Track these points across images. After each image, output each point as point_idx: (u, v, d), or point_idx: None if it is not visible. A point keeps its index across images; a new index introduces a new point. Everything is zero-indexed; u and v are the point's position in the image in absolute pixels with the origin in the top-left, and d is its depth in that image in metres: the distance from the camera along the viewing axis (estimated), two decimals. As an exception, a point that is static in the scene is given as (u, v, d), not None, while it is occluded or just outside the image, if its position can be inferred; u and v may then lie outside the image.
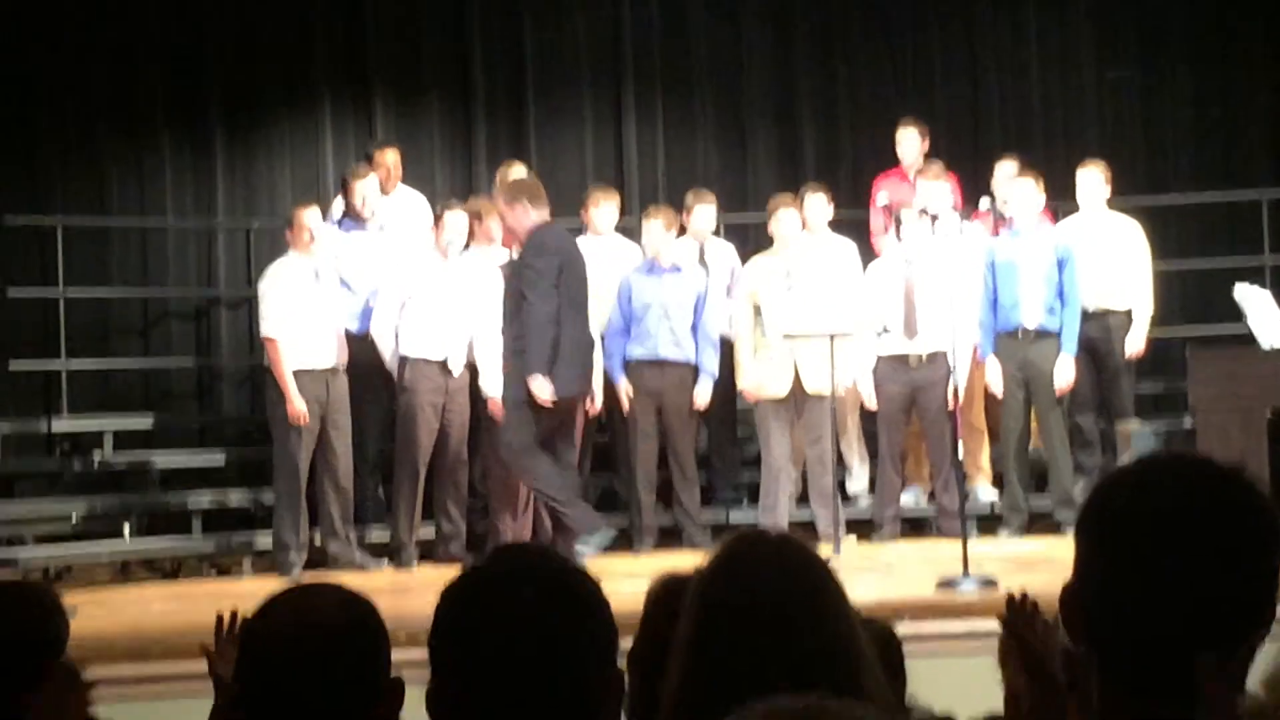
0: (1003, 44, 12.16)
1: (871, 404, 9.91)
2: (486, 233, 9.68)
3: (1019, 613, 3.19)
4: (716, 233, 10.60)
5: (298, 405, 9.18)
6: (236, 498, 10.28)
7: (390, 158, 10.46)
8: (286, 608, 2.54)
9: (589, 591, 2.22)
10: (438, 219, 9.65)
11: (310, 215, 9.47)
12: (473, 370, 9.54)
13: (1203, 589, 1.82)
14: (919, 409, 9.81)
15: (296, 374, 9.24)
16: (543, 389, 8.58)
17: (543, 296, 8.62)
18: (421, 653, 2.18)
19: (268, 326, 9.34)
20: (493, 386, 9.26)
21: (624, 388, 9.84)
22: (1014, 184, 9.89)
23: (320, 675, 2.44)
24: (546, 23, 11.98)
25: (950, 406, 9.44)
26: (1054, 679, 3.02)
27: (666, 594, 3.06)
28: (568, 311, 8.71)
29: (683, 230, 10.16)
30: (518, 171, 10.28)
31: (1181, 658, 1.83)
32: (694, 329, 9.85)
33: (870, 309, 9.60)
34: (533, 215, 8.76)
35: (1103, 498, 1.92)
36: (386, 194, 10.24)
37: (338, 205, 10.23)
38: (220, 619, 3.45)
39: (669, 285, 9.83)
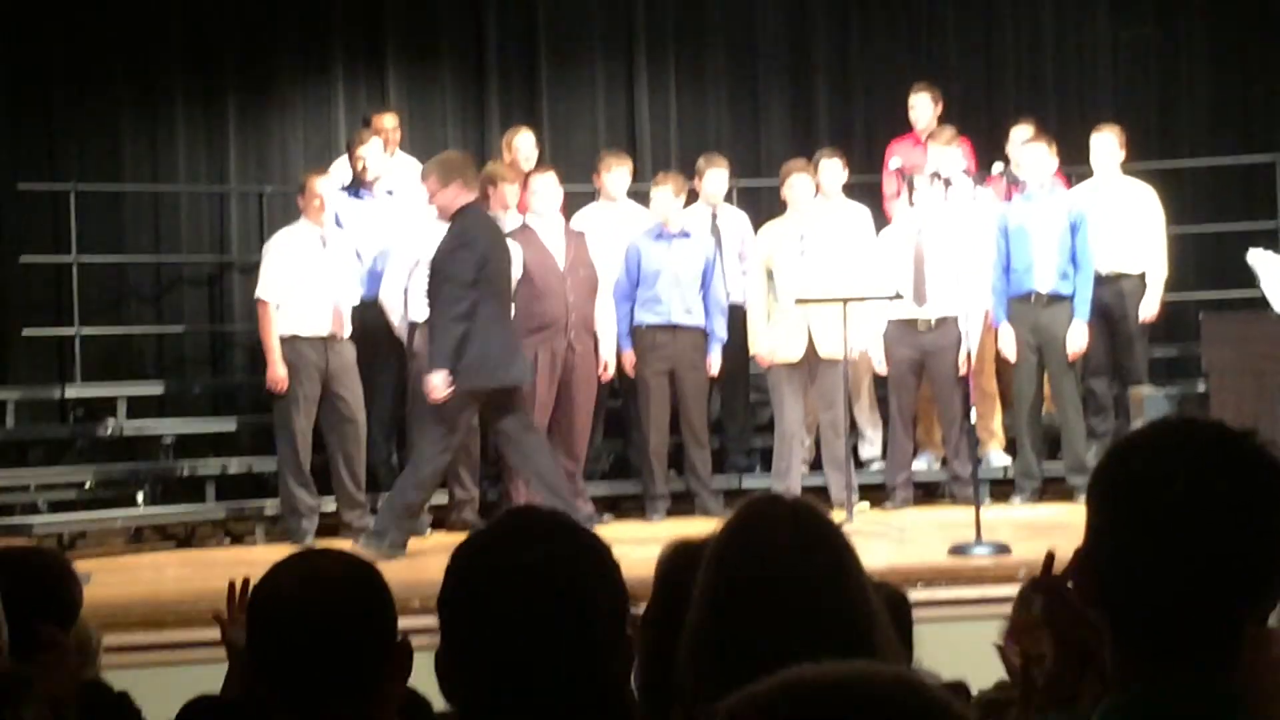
0: (1017, 6, 12.09)
1: (881, 369, 9.91)
2: (501, 199, 9.59)
3: (1052, 573, 3.17)
4: (729, 198, 10.59)
5: (278, 370, 9.17)
6: (249, 464, 10.29)
7: (389, 122, 10.42)
8: (290, 572, 2.55)
9: (598, 554, 2.21)
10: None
11: (322, 183, 9.46)
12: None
13: (1215, 553, 1.82)
14: (930, 374, 9.79)
15: (295, 340, 9.23)
16: (439, 386, 8.36)
17: (455, 296, 8.36)
18: (434, 619, 2.19)
19: (261, 289, 9.33)
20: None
21: (628, 354, 9.82)
22: (1027, 148, 9.86)
23: (326, 637, 2.45)
24: (558, -14, 11.94)
25: (962, 371, 9.43)
26: (1079, 645, 3.01)
27: (679, 559, 3.06)
28: (489, 304, 8.44)
29: (694, 195, 10.14)
30: (525, 137, 10.26)
31: (1194, 621, 1.83)
32: (704, 295, 9.84)
33: (883, 274, 9.58)
34: (463, 197, 8.54)
35: (1115, 462, 1.92)
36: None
37: (339, 168, 10.15)
38: (232, 586, 3.46)
39: (678, 251, 9.81)
